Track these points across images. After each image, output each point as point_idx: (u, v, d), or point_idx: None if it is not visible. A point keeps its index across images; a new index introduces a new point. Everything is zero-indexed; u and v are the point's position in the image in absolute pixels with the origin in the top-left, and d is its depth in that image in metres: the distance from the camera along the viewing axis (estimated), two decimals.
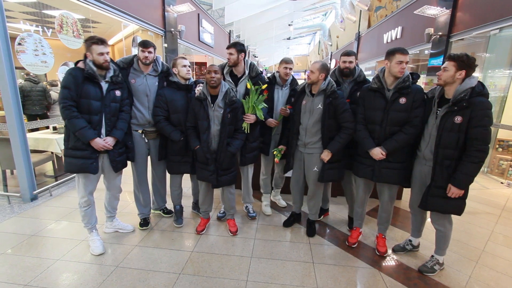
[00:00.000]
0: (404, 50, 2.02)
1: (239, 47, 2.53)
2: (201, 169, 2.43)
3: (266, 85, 2.52)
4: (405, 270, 2.18)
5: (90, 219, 2.33)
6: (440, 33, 5.58)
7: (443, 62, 5.59)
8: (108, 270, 2.10)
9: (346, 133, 2.27)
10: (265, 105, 2.54)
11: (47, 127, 4.07)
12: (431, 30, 5.77)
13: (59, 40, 3.46)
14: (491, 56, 4.82)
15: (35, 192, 3.25)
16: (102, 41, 2.03)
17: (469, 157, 1.81)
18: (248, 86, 2.47)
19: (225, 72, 2.61)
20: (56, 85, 4.61)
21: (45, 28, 3.37)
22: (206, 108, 2.32)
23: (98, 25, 4.68)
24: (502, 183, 4.21)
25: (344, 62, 2.41)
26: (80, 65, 2.07)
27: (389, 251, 2.39)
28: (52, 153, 3.85)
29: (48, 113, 4.84)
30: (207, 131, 2.33)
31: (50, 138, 3.70)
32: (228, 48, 2.54)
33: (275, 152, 2.61)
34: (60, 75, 3.78)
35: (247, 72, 2.62)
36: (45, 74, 4.98)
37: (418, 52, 7.15)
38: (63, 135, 3.73)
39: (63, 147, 3.73)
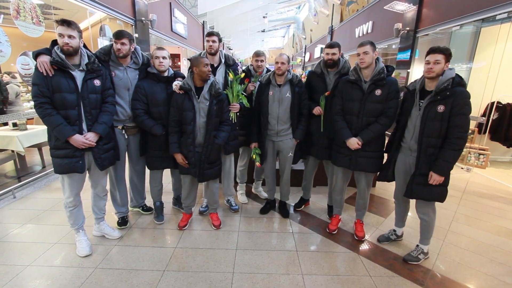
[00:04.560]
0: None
1: (219, 36, 2.57)
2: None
3: (244, 74, 2.60)
4: (382, 252, 2.33)
5: (76, 220, 2.18)
6: (408, 28, 5.88)
7: (411, 57, 5.85)
8: (86, 273, 1.99)
9: (304, 120, 2.55)
10: (245, 94, 2.58)
11: (6, 124, 3.71)
12: (399, 25, 6.06)
13: (17, 27, 3.14)
14: (452, 51, 5.18)
15: None
16: (64, 22, 1.81)
17: (450, 144, 1.88)
18: (231, 77, 2.47)
19: None
20: (15, 78, 4.20)
21: None
22: (192, 99, 2.26)
23: (60, 12, 4.29)
24: (462, 168, 4.61)
25: (327, 54, 2.45)
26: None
27: (367, 236, 2.53)
28: (13, 151, 3.53)
29: (5, 109, 4.40)
30: (193, 122, 2.26)
31: (10, 135, 3.39)
32: (210, 35, 2.52)
33: (254, 156, 2.63)
34: (18, 66, 3.44)
35: (223, 60, 2.64)
36: None
37: (386, 46, 7.49)
38: (25, 132, 3.49)
39: (26, 145, 3.47)
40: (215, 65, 2.61)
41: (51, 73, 1.82)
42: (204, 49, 2.61)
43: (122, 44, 2.17)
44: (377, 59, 2.16)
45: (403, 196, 2.18)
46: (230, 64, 2.66)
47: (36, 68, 1.81)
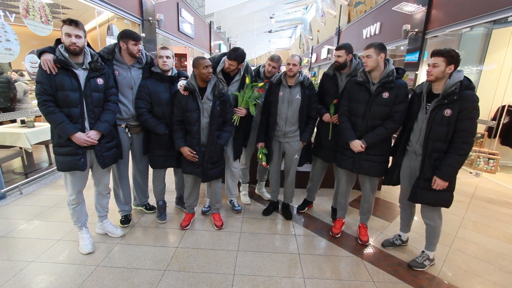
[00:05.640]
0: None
1: (241, 59, 2.43)
2: (188, 162, 2.36)
3: (263, 83, 2.54)
4: (386, 257, 2.28)
5: (79, 217, 2.20)
6: (416, 30, 5.78)
7: (419, 58, 5.76)
8: (88, 270, 2.00)
9: (312, 123, 2.56)
10: (259, 102, 2.55)
11: (14, 121, 3.77)
12: (408, 27, 5.97)
13: (26, 26, 3.18)
14: (462, 53, 5.08)
15: (3, 190, 3.02)
16: (71, 22, 1.82)
17: (456, 149, 1.83)
18: (247, 81, 2.45)
19: (217, 69, 2.49)
20: (23, 75, 4.27)
21: (7, 12, 3.08)
22: (196, 100, 2.25)
23: (68, 11, 4.34)
24: (471, 173, 4.50)
25: (335, 56, 2.42)
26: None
27: (371, 240, 2.49)
28: (20, 148, 3.58)
29: (13, 106, 4.48)
30: (197, 123, 2.26)
31: (18, 132, 3.43)
32: (230, 59, 2.40)
33: (260, 156, 2.59)
34: (27, 64, 3.50)
35: (242, 73, 2.55)
36: (9, 63, 4.59)
37: (394, 48, 7.39)
38: (32, 129, 3.54)
39: (33, 142, 3.52)
40: (232, 75, 2.53)
41: (55, 71, 1.84)
42: (210, 51, 2.57)
43: (140, 44, 2.22)
44: (387, 60, 2.11)
45: (407, 200, 2.13)
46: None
47: (40, 66, 1.83)
